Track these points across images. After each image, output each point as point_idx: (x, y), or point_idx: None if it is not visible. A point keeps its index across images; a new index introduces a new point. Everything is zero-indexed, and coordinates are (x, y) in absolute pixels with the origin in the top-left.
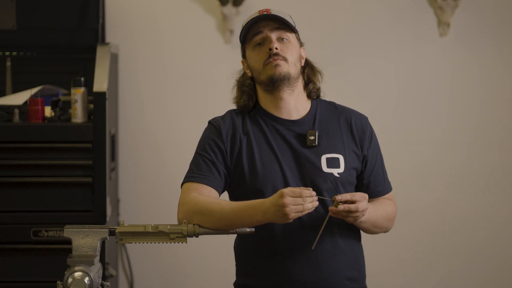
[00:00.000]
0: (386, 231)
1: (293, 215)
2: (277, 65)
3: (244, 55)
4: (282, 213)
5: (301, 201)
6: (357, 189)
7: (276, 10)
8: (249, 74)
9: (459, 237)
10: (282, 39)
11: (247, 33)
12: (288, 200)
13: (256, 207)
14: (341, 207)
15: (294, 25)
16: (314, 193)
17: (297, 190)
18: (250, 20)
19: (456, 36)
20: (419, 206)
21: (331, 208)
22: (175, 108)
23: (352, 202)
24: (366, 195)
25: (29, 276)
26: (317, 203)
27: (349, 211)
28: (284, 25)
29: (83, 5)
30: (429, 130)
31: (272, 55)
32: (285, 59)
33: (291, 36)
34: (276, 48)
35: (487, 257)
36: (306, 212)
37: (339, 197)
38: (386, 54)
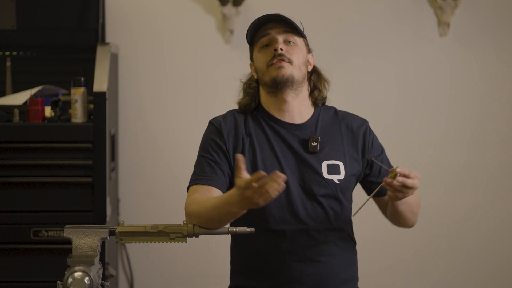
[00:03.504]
0: (412, 224)
1: (263, 202)
2: (280, 67)
3: (252, 57)
4: (252, 203)
5: (263, 189)
6: (367, 188)
7: (286, 14)
8: (255, 77)
9: (459, 237)
10: (289, 41)
11: (255, 34)
12: (248, 193)
13: (228, 202)
14: (400, 179)
15: (303, 30)
16: (271, 177)
17: (251, 179)
18: (258, 19)
19: (456, 36)
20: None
21: (387, 179)
22: (175, 108)
23: (407, 177)
24: (419, 175)
25: (29, 276)
26: (283, 184)
27: (404, 186)
28: (292, 28)
29: (83, 5)
30: (429, 130)
31: (276, 56)
32: (290, 61)
33: (298, 40)
34: (281, 49)
35: (487, 257)
36: (276, 195)
37: (399, 169)
38: (386, 54)
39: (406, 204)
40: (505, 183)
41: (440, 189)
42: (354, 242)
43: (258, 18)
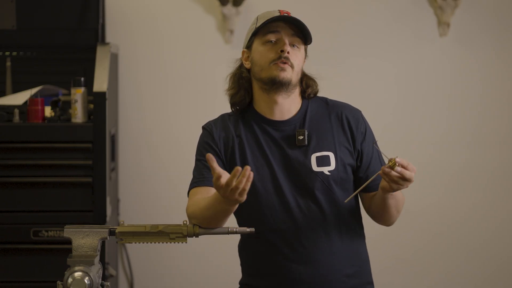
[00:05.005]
0: (393, 221)
1: (241, 198)
2: (283, 69)
3: (249, 46)
4: (233, 200)
5: (234, 187)
6: (356, 183)
7: (296, 16)
8: (247, 66)
9: (459, 237)
10: (294, 45)
11: (263, 27)
12: (221, 192)
13: (217, 199)
14: (398, 169)
15: (309, 32)
16: (236, 174)
17: (221, 185)
18: (271, 17)
19: (456, 36)
20: (419, 206)
21: (385, 168)
22: (175, 108)
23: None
24: (415, 168)
25: (29, 276)
26: (251, 175)
27: (402, 177)
28: (301, 34)
29: (83, 5)
30: (429, 130)
31: (282, 57)
32: (292, 66)
33: (301, 47)
34: (288, 52)
35: (487, 257)
36: (248, 186)
37: (398, 159)
38: (386, 54)
39: (394, 199)
40: (505, 183)
41: (440, 189)
42: (359, 233)
43: (273, 16)
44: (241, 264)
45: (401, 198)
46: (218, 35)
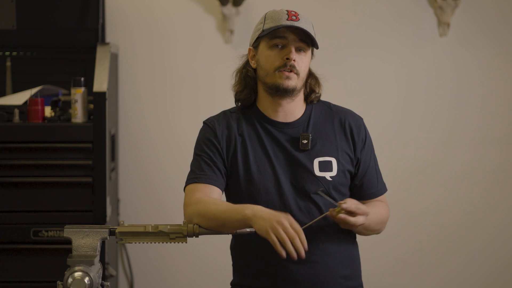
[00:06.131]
0: (377, 233)
1: (272, 236)
2: (288, 78)
3: (255, 46)
4: (270, 224)
5: (291, 235)
6: (350, 190)
7: (304, 17)
8: (253, 66)
9: (459, 237)
10: (300, 49)
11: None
12: (285, 223)
13: (247, 206)
14: (342, 216)
15: (315, 36)
16: (301, 245)
17: (296, 227)
18: (279, 25)
19: (456, 36)
20: (419, 206)
21: (332, 211)
22: (175, 108)
23: (353, 213)
24: (368, 212)
25: (29, 276)
26: (302, 254)
27: (346, 222)
28: (308, 38)
29: (83, 5)
30: (429, 130)
31: (287, 65)
32: (297, 73)
33: (308, 50)
34: (294, 60)
35: (487, 257)
36: (279, 248)
37: (344, 205)
38: (386, 54)
39: (360, 227)
40: (505, 183)
41: (440, 189)
42: (354, 236)
43: (284, 26)
44: (233, 264)
45: (373, 221)
46: (218, 35)
